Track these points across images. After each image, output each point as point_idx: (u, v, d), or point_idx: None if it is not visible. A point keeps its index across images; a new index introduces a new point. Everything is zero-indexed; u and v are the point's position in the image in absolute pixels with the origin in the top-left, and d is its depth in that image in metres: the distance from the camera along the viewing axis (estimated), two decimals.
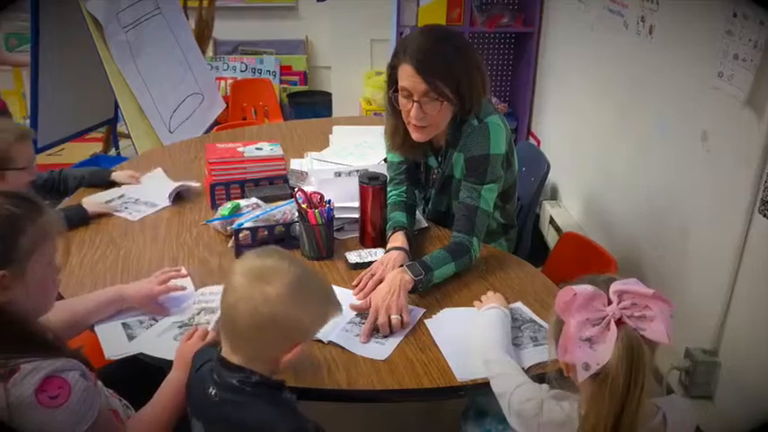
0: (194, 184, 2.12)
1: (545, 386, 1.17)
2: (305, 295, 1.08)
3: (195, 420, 1.16)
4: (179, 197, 2.06)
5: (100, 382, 1.15)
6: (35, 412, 0.95)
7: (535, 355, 1.37)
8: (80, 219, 1.87)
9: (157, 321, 1.46)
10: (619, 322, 0.98)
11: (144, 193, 2.08)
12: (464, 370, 1.33)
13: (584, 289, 1.01)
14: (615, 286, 1.02)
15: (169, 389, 1.26)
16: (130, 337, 1.40)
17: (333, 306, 1.16)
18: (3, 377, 0.95)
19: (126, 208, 1.98)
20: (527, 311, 1.52)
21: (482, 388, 1.29)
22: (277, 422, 1.05)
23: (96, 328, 1.42)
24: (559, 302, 1.02)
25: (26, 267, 1.06)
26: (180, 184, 2.08)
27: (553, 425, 1.09)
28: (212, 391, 1.09)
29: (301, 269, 1.10)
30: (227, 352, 1.11)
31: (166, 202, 2.02)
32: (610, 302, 1.00)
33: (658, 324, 0.97)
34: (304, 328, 1.10)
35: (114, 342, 1.38)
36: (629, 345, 0.96)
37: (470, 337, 1.40)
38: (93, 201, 1.98)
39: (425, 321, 1.49)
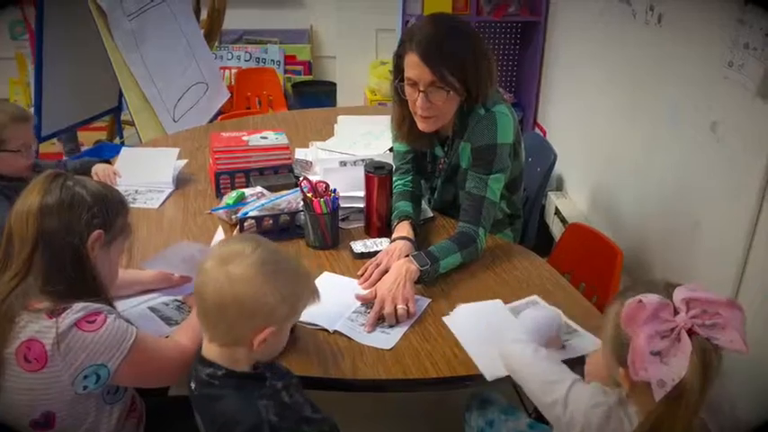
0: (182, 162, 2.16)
1: (608, 390, 1.06)
2: (269, 275, 1.06)
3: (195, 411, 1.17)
4: (183, 182, 2.08)
5: None
6: (77, 336, 1.08)
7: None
8: None
9: (184, 303, 1.47)
10: (689, 332, 0.91)
11: (140, 179, 2.08)
12: (492, 369, 1.29)
13: (651, 299, 0.93)
14: (681, 294, 0.94)
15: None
16: (164, 319, 1.42)
17: (306, 290, 1.13)
18: (56, 313, 1.09)
19: (135, 200, 1.98)
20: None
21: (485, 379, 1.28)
22: (239, 415, 1.05)
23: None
24: (625, 315, 0.94)
25: (112, 244, 1.20)
26: (174, 167, 2.10)
27: None
28: (192, 385, 1.13)
29: (268, 252, 1.09)
30: (205, 343, 1.12)
31: (171, 187, 2.05)
32: (677, 312, 0.93)
33: (732, 332, 0.91)
34: (270, 308, 1.06)
35: (153, 327, 1.39)
36: (703, 357, 0.90)
37: (496, 332, 1.32)
38: None
39: (443, 319, 1.45)
